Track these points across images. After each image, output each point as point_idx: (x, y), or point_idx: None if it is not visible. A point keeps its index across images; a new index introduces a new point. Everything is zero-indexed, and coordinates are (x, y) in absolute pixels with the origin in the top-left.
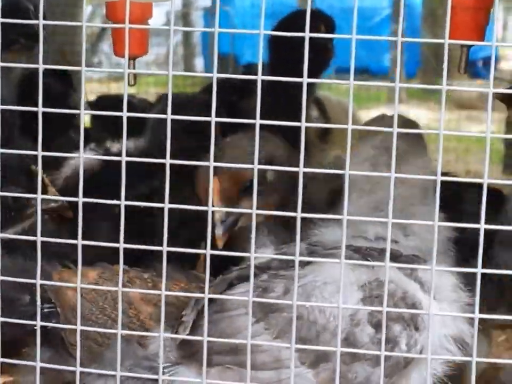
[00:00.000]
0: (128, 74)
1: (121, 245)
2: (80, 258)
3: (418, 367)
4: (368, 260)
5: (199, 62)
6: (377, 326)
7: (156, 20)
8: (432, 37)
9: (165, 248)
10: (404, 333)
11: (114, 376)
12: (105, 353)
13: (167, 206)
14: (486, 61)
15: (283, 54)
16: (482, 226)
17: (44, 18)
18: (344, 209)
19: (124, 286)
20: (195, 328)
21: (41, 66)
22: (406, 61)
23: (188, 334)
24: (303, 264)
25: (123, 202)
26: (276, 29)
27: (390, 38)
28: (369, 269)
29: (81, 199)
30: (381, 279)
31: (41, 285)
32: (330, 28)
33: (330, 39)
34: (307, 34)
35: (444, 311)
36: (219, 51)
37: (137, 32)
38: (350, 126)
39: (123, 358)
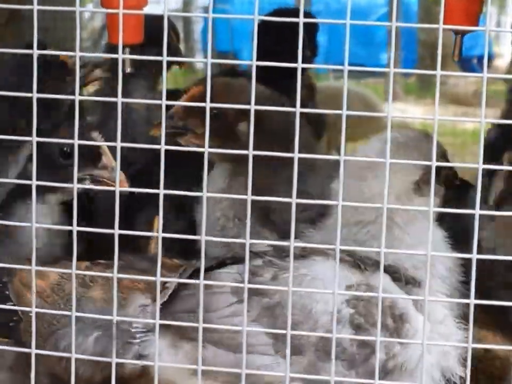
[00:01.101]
0: (123, 62)
1: (116, 232)
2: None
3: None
4: (359, 266)
5: (199, 56)
6: (357, 328)
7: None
8: (427, 35)
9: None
10: (384, 342)
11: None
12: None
13: (162, 192)
14: (481, 59)
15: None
16: (477, 212)
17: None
18: (340, 196)
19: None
20: (176, 297)
21: (35, 52)
22: (402, 59)
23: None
24: (297, 257)
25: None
26: (259, 26)
27: (384, 23)
28: (361, 273)
29: (75, 185)
30: (371, 284)
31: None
32: (313, 28)
33: (313, 39)
34: (301, 20)
35: (435, 332)
36: (218, 49)
37: (132, 20)
38: (344, 112)
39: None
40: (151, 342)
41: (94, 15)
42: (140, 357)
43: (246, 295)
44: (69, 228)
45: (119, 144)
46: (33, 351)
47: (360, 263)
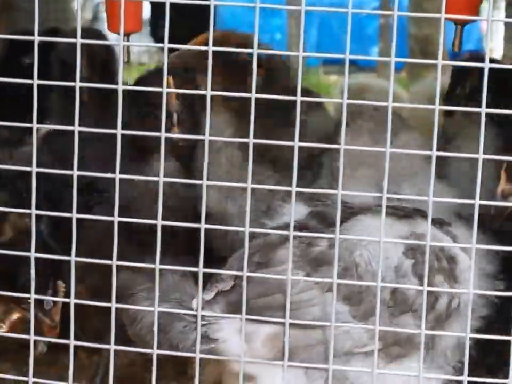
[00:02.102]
0: (123, 51)
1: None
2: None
3: (458, 320)
4: (401, 217)
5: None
6: (421, 277)
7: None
8: (418, 29)
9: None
10: (445, 284)
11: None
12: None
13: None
14: (473, 55)
15: None
16: (477, 202)
17: None
18: (339, 185)
19: None
20: (237, 284)
21: (36, 39)
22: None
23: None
24: (344, 220)
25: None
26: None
27: (385, 12)
28: (405, 224)
29: (75, 172)
30: (417, 232)
31: None
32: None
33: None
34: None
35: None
36: None
37: (131, 8)
38: (345, 101)
39: (173, 290)
40: (220, 326)
41: (84, 7)
42: (208, 339)
43: (245, 284)
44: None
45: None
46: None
47: (402, 213)
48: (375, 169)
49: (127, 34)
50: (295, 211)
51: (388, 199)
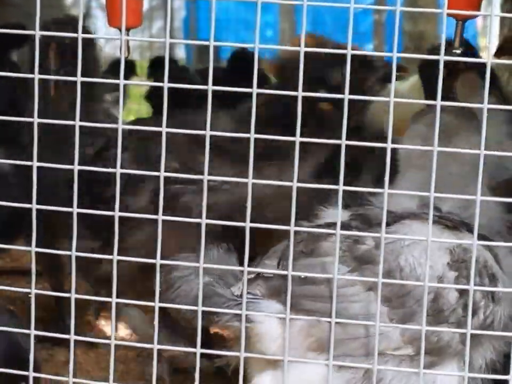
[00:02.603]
0: (121, 47)
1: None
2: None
3: (489, 337)
4: (451, 228)
5: (180, 49)
6: (462, 291)
7: None
8: (413, 26)
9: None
10: (483, 301)
11: None
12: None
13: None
14: (467, 51)
15: None
16: (478, 198)
17: None
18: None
19: None
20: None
21: (37, 33)
22: (387, 50)
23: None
24: (391, 223)
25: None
26: None
27: (388, 8)
28: (453, 235)
29: (76, 167)
30: (463, 246)
31: None
32: None
33: None
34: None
35: None
36: (199, 37)
37: (132, 3)
38: (346, 96)
39: (218, 262)
40: (258, 305)
41: (74, 3)
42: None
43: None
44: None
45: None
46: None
47: (449, 223)
48: (423, 173)
49: (127, 29)
50: (335, 214)
51: (435, 208)
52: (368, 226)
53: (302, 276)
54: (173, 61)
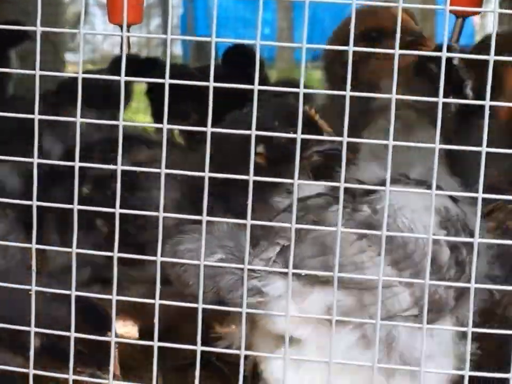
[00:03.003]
0: (122, 43)
1: None
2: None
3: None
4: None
5: (177, 46)
6: (452, 248)
7: None
8: None
9: None
10: (469, 257)
11: None
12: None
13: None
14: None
15: None
16: (480, 195)
17: None
18: (342, 175)
19: None
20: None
21: (39, 29)
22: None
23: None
24: (369, 192)
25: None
26: None
27: (391, 4)
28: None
29: (77, 164)
30: (446, 206)
31: None
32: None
33: None
34: None
35: None
36: (197, 35)
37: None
38: (348, 93)
39: (228, 238)
40: (272, 281)
41: (74, 1)
42: (258, 293)
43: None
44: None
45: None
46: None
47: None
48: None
49: (128, 26)
50: (314, 187)
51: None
52: (350, 197)
53: (303, 274)
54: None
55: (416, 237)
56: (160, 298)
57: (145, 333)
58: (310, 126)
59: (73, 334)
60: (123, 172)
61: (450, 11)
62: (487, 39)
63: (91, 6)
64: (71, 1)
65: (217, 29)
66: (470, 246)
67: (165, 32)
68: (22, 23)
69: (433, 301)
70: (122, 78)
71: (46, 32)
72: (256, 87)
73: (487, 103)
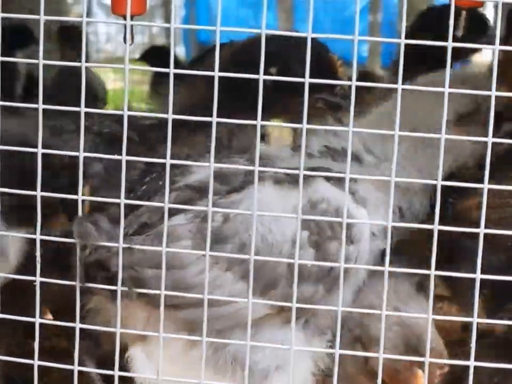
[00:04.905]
0: (126, 34)
1: None
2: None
3: (350, 278)
4: (297, 182)
5: (180, 51)
6: (316, 245)
7: None
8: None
9: None
10: (340, 250)
11: None
12: None
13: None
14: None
15: None
16: (485, 187)
17: None
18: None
19: None
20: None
21: (42, 18)
22: (382, 52)
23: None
24: (239, 188)
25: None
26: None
27: None
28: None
29: (81, 154)
30: (313, 200)
31: None
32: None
33: None
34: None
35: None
36: (198, 39)
37: None
38: (354, 83)
39: None
40: None
41: (78, 1)
42: None
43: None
44: None
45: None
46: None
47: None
48: None
49: (131, 16)
50: (203, 171)
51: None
52: (226, 186)
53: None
54: (179, 63)
55: (270, 243)
56: None
57: None
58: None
59: (78, 326)
60: None
61: (457, 4)
62: None
63: (94, 6)
64: (74, 1)
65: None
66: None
67: (168, 34)
68: (27, 26)
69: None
70: (126, 67)
71: (50, 32)
72: (261, 77)
73: (493, 93)
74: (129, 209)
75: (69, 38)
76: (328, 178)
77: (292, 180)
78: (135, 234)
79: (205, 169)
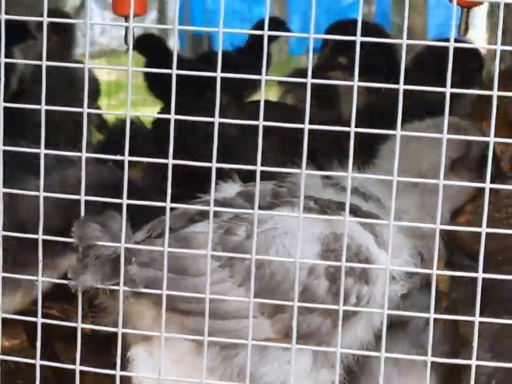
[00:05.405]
0: (127, 35)
1: None
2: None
3: (363, 317)
4: (326, 212)
5: (174, 42)
6: (332, 279)
7: None
8: (401, 18)
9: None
10: (355, 287)
11: None
12: None
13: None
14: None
15: None
16: (487, 185)
17: None
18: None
19: None
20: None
21: (45, 20)
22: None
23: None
24: (266, 207)
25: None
26: None
27: None
28: (327, 222)
29: (83, 155)
30: (337, 233)
31: None
32: None
33: None
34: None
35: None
36: (193, 32)
37: None
38: (356, 83)
39: None
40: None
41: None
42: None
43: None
44: None
45: None
46: None
47: (326, 208)
48: None
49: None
50: (228, 189)
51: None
52: (250, 204)
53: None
54: (170, 52)
55: (287, 267)
56: None
57: None
58: None
59: (79, 325)
60: None
61: (458, 2)
62: None
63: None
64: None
65: (212, 23)
66: (355, 275)
67: (162, 24)
68: (26, 22)
69: (302, 330)
70: (129, 68)
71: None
72: (264, 77)
73: (495, 93)
74: (153, 214)
75: (58, 28)
76: (356, 216)
77: (321, 209)
78: (158, 238)
79: (232, 188)
